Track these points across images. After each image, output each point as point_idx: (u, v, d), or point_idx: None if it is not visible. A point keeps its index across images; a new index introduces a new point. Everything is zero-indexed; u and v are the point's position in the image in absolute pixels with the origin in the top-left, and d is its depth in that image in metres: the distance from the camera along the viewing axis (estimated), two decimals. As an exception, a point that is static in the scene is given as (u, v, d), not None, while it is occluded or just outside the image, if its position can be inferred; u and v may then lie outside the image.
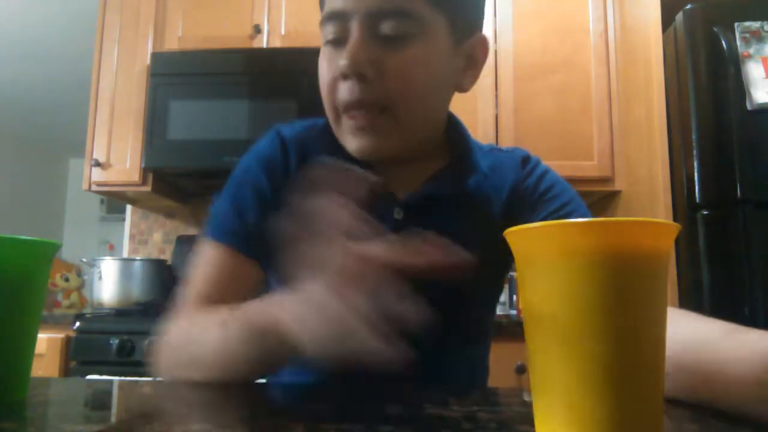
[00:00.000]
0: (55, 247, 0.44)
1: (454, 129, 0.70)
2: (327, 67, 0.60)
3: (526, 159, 0.72)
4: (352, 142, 0.60)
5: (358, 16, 0.57)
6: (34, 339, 0.43)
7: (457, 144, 0.69)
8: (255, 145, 0.70)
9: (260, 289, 0.66)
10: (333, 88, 0.59)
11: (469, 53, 0.64)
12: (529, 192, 0.68)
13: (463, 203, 0.66)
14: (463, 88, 0.66)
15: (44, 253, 0.43)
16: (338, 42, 0.59)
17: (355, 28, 0.57)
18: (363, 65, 0.56)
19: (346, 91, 0.58)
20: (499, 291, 0.74)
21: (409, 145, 0.62)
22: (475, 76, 0.66)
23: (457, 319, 0.65)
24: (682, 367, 0.42)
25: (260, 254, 0.63)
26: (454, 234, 0.64)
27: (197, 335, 0.56)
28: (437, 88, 0.62)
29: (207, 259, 0.64)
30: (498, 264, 0.69)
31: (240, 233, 0.63)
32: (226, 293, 0.62)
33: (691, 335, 0.44)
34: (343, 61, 0.56)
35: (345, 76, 0.57)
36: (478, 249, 0.64)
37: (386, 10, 0.56)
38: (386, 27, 0.57)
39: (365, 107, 0.58)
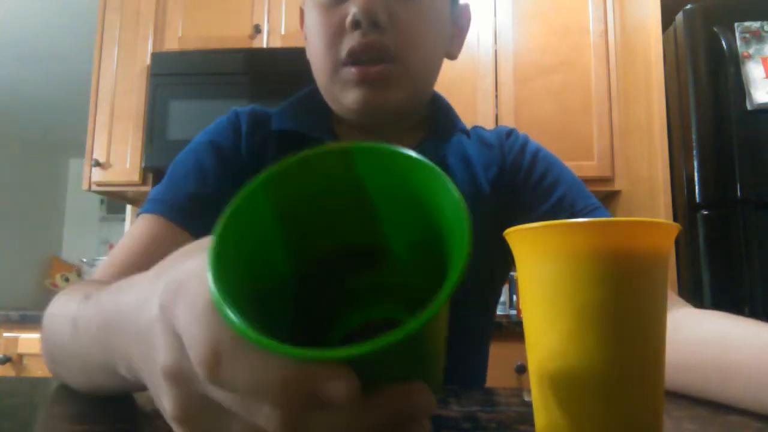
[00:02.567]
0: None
1: (438, 101, 0.69)
2: (325, 21, 0.57)
3: (509, 133, 0.70)
4: (354, 93, 0.56)
5: None
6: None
7: (439, 113, 0.67)
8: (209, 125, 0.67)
9: None
10: (336, 39, 0.56)
11: (456, 20, 0.65)
12: (522, 174, 0.66)
13: (448, 173, 0.64)
14: (452, 55, 0.65)
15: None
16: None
17: None
18: (377, 11, 0.53)
19: (354, 39, 0.54)
20: (499, 278, 0.70)
21: (409, 102, 0.60)
22: (460, 44, 0.66)
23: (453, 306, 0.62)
24: (704, 364, 0.43)
25: (198, 228, 0.56)
26: None
27: (56, 325, 0.41)
28: (439, 46, 0.61)
29: (131, 231, 0.57)
30: (489, 243, 0.61)
31: (170, 202, 0.57)
32: (150, 260, 0.53)
33: (724, 333, 0.44)
34: (354, 8, 0.53)
35: (355, 24, 0.54)
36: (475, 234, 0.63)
37: None
38: None
39: (374, 57, 0.55)
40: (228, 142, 0.63)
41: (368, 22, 0.54)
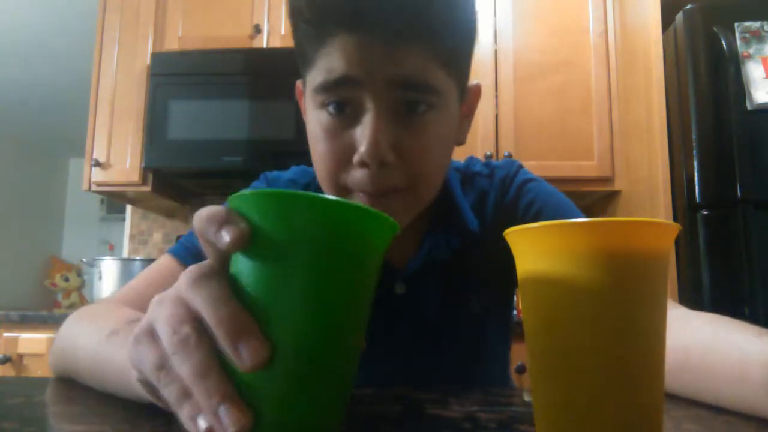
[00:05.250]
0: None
1: (444, 183, 0.65)
2: (329, 146, 0.51)
3: (504, 179, 0.68)
4: None
5: (377, 85, 0.48)
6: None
7: (445, 200, 0.64)
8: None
9: None
10: (341, 167, 0.52)
11: (466, 105, 0.60)
12: (519, 216, 0.65)
13: (463, 258, 0.63)
14: (461, 142, 0.61)
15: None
16: (342, 109, 0.50)
17: (370, 101, 0.48)
18: (385, 152, 0.48)
19: (362, 177, 0.50)
20: (510, 310, 0.73)
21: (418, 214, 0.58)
22: (469, 125, 0.62)
23: (475, 351, 0.66)
24: (690, 368, 0.44)
25: None
26: (462, 291, 0.65)
27: (77, 340, 0.49)
28: (449, 152, 0.58)
29: (153, 265, 0.63)
30: (504, 295, 0.70)
31: (189, 248, 0.62)
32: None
33: (708, 338, 0.45)
34: (362, 148, 0.48)
35: (362, 164, 0.49)
36: (485, 296, 0.65)
37: (410, 81, 0.49)
38: (405, 98, 0.50)
39: (383, 192, 0.51)
40: None
41: (376, 164, 0.49)
